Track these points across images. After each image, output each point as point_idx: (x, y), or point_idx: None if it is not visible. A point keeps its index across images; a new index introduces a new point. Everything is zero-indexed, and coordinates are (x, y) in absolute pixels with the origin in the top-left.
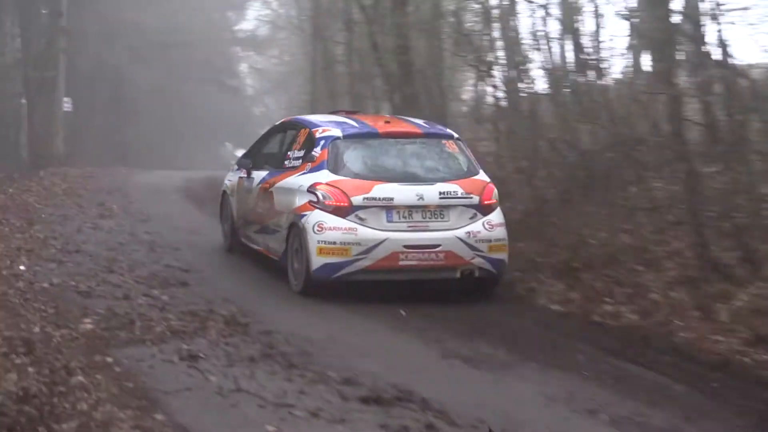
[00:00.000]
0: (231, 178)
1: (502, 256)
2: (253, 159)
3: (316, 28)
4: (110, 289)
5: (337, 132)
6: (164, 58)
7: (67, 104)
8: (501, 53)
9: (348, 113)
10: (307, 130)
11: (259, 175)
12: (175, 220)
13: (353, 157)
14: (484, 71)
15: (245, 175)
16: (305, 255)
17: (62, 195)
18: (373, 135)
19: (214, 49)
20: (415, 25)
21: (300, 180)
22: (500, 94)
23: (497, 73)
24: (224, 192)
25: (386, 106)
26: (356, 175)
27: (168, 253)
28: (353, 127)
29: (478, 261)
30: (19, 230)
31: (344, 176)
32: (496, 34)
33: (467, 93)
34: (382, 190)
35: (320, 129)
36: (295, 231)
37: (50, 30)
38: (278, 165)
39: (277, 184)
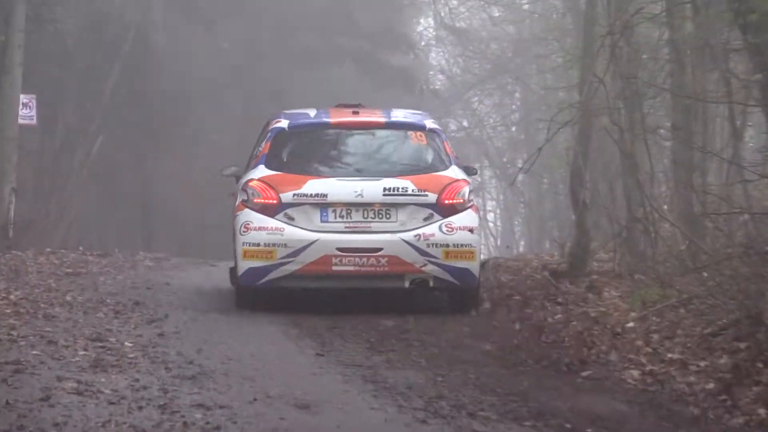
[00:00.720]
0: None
1: (467, 264)
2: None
3: None
4: None
5: (284, 123)
6: (241, 5)
7: (26, 110)
8: None
9: (347, 106)
10: (269, 123)
11: None
12: (263, 374)
13: (293, 150)
14: None
15: None
16: (235, 261)
17: (12, 314)
18: (323, 126)
19: None
20: None
21: (243, 178)
22: None
23: None
24: None
25: (757, 120)
26: (291, 170)
27: None
28: (306, 117)
29: (431, 269)
30: None
31: (278, 171)
32: None
33: None
34: (316, 185)
35: (274, 121)
36: (234, 236)
37: None
38: (247, 167)
39: (237, 187)
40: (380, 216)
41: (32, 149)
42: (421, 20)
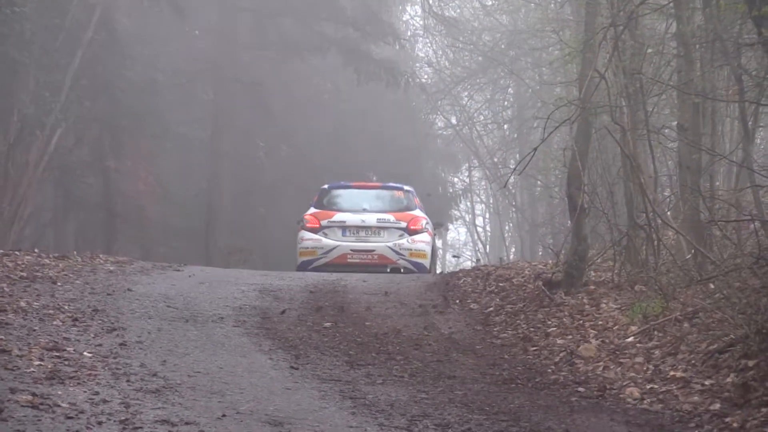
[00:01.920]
0: None
1: (421, 261)
2: None
3: None
4: None
5: (326, 186)
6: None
7: None
8: None
9: (365, 182)
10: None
11: None
12: (233, 389)
13: (329, 198)
14: None
15: None
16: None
17: None
18: (347, 186)
19: None
20: None
21: (302, 214)
22: None
23: None
24: None
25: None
26: (328, 209)
27: None
28: (339, 183)
29: (402, 262)
30: None
31: (321, 209)
32: None
33: None
34: (340, 216)
35: (323, 185)
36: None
37: None
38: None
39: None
40: (375, 233)
41: None
42: (408, 8)
